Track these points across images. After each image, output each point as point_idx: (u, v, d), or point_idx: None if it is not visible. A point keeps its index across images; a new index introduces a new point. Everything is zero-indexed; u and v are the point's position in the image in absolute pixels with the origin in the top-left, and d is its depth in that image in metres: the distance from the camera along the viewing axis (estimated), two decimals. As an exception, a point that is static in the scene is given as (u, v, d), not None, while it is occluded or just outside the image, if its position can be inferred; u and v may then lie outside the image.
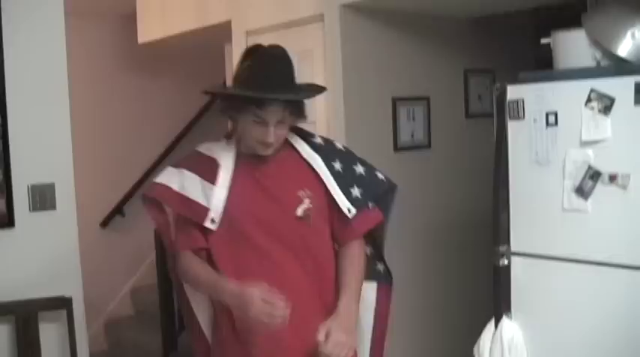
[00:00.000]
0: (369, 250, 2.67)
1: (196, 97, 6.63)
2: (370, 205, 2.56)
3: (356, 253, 2.54)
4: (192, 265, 2.46)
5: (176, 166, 2.54)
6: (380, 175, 2.67)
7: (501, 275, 2.95)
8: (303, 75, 3.92)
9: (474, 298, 4.10)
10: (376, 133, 4.05)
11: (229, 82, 4.64)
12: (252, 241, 2.41)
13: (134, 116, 6.54)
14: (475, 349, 3.04)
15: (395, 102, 4.10)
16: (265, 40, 4.22)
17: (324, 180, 2.49)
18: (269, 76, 2.32)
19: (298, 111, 2.44)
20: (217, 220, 2.40)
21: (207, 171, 2.45)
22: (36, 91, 3.58)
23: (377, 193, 2.62)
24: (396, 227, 4.03)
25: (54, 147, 3.64)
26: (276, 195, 2.45)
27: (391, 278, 2.74)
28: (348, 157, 2.60)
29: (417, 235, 4.20)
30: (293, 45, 4.08)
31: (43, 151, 3.60)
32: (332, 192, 2.50)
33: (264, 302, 2.22)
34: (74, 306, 3.61)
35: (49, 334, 3.60)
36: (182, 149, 6.47)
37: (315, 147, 2.55)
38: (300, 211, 2.43)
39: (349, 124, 3.91)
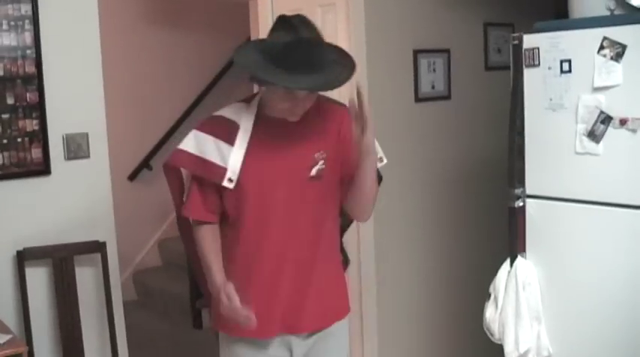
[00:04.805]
0: None
1: (222, 50, 6.75)
2: None
3: None
4: (202, 242, 2.62)
5: (196, 129, 2.61)
6: None
7: (516, 217, 3.05)
8: (326, 28, 4.03)
9: (490, 238, 4.20)
10: (397, 85, 4.12)
11: (255, 36, 4.72)
12: (258, 199, 2.53)
13: (161, 70, 6.60)
14: (491, 287, 3.15)
15: (416, 54, 4.17)
16: (290, -4, 4.33)
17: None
18: (302, 62, 2.37)
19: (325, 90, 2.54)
20: (234, 179, 2.50)
21: (226, 133, 2.53)
22: (68, 44, 3.66)
23: None
24: (417, 175, 4.18)
25: (87, 98, 3.74)
26: (291, 156, 2.55)
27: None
28: None
29: (436, 182, 4.31)
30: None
31: (77, 102, 3.70)
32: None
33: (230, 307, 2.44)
34: (108, 250, 3.75)
35: (85, 277, 3.74)
36: (208, 103, 6.54)
37: None
38: (313, 172, 2.54)
39: (371, 76, 3.99)
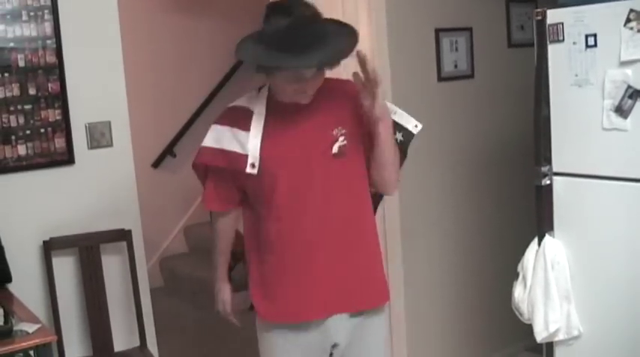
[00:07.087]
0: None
1: (243, 36, 6.73)
2: None
3: None
4: (216, 237, 2.83)
5: (214, 123, 2.66)
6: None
7: (544, 195, 3.02)
8: (347, 9, 3.99)
9: (517, 217, 4.19)
10: (420, 64, 4.09)
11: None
12: (284, 184, 2.52)
13: (182, 57, 6.59)
14: (519, 266, 3.12)
15: (438, 33, 4.13)
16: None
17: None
18: (306, 40, 2.35)
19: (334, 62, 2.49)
20: (257, 164, 2.51)
21: (240, 120, 2.56)
22: (89, 33, 3.67)
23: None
24: (441, 155, 4.15)
25: (108, 86, 3.75)
26: (310, 135, 2.54)
27: None
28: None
29: (460, 161, 4.28)
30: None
31: (99, 91, 3.71)
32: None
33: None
34: (133, 238, 3.76)
35: (111, 265, 3.76)
36: (230, 89, 6.52)
37: None
38: (335, 149, 2.53)
39: (393, 56, 3.94)
